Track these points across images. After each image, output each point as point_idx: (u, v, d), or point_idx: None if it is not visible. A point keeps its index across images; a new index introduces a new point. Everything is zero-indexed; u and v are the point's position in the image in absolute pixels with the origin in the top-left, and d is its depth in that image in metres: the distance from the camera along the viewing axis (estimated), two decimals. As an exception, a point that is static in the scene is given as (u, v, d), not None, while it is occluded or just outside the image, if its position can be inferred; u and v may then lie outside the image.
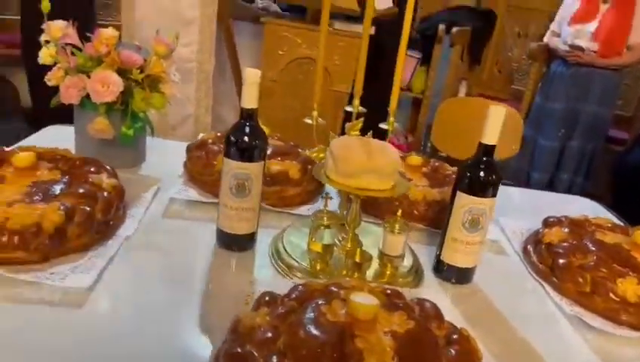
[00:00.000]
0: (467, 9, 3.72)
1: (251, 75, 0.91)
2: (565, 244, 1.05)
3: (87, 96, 1.16)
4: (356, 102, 1.05)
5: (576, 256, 1.02)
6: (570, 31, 2.86)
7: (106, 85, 1.14)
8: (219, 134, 1.36)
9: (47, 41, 1.21)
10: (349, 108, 1.09)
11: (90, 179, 1.01)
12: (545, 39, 3.13)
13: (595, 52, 2.78)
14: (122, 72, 1.19)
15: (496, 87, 3.77)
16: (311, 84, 2.41)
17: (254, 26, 2.71)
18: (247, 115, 0.94)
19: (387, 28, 2.32)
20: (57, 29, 1.18)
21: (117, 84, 1.15)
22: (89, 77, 1.16)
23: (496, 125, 0.91)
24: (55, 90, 1.20)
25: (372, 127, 1.07)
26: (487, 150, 0.93)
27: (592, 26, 2.79)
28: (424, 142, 3.62)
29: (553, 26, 3.07)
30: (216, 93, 2.44)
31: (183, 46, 2.30)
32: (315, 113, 1.06)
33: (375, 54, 2.31)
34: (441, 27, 3.42)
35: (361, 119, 1.06)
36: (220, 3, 2.22)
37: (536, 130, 3.06)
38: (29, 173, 1.01)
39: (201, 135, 1.37)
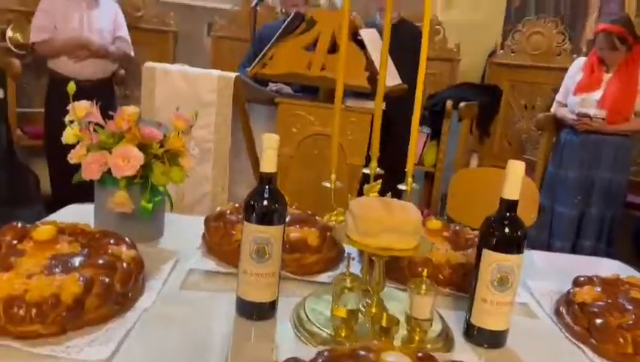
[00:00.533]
0: (472, 85, 3.84)
1: (270, 140, 0.93)
2: (600, 303, 1.00)
3: (108, 171, 1.19)
4: (373, 164, 1.06)
5: (614, 315, 0.97)
6: (577, 100, 2.92)
7: (127, 159, 1.17)
8: (237, 205, 1.36)
9: (72, 121, 1.25)
10: (366, 170, 1.10)
11: (110, 251, 1.00)
12: (552, 110, 3.19)
13: (602, 119, 2.82)
14: (143, 147, 1.22)
15: (508, 158, 3.70)
16: (325, 157, 2.47)
17: (268, 108, 2.80)
18: (267, 179, 0.95)
19: (396, 103, 2.38)
20: (82, 109, 1.23)
21: (137, 158, 1.17)
22: (110, 153, 1.19)
23: (517, 180, 0.91)
24: (76, 168, 1.23)
25: (385, 193, 1.07)
26: (510, 206, 0.92)
27: (597, 95, 2.85)
28: (440, 214, 3.60)
29: (559, 97, 3.14)
30: (232, 172, 2.48)
31: (200, 128, 2.38)
32: (333, 176, 1.06)
33: (385, 129, 2.36)
34: (449, 103, 3.51)
35: (379, 181, 1.06)
36: (235, 87, 2.32)
37: (552, 198, 3.03)
38: (49, 247, 1.00)
39: (218, 208, 1.38)
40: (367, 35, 2.28)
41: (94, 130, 1.20)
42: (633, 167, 3.09)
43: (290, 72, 2.23)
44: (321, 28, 2.27)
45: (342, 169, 2.41)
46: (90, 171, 1.18)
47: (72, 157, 1.23)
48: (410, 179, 1.09)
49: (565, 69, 3.33)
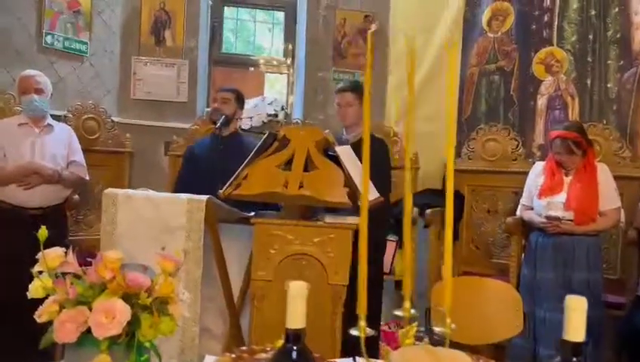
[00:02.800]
0: (435, 191, 3.89)
1: (296, 289, 0.80)
2: None
3: (87, 330, 1.00)
4: (407, 304, 0.94)
5: None
6: (542, 204, 2.97)
7: (111, 316, 0.99)
8: (233, 356, 1.19)
9: (41, 272, 1.08)
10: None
11: None
12: (517, 213, 3.23)
13: (571, 221, 2.86)
14: (127, 298, 1.05)
15: (478, 263, 3.77)
16: (306, 280, 2.31)
17: (239, 226, 2.67)
18: (294, 337, 0.81)
19: (373, 216, 2.32)
20: (55, 257, 1.06)
21: (123, 313, 1.00)
22: (90, 308, 1.01)
23: (580, 318, 0.81)
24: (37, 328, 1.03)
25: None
26: (574, 349, 0.81)
27: (561, 197, 2.92)
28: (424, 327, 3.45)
29: (523, 201, 3.20)
30: (202, 300, 2.28)
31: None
32: (362, 323, 0.93)
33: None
34: (415, 210, 3.51)
35: (415, 323, 0.94)
36: (207, 209, 2.20)
37: (531, 302, 2.97)
38: None
39: (213, 358, 1.19)
40: (342, 151, 2.26)
41: (71, 283, 1.03)
42: (604, 265, 3.11)
43: (266, 192, 2.14)
44: (295, 145, 2.24)
45: (324, 290, 2.27)
46: (64, 332, 0.99)
47: (41, 315, 1.04)
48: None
49: (523, 173, 3.43)
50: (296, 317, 0.80)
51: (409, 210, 1.00)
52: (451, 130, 1.14)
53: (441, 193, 3.92)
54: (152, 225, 2.25)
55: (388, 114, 4.27)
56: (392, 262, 3.66)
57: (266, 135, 2.30)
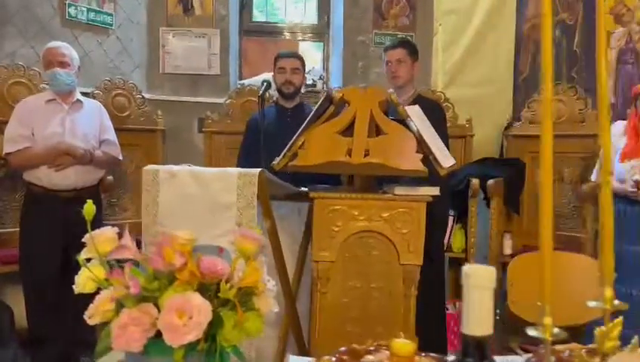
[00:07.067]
0: (493, 160, 3.57)
1: (479, 277, 0.53)
2: None
3: (156, 334, 0.75)
4: (608, 292, 0.66)
5: None
6: (626, 168, 2.64)
7: (187, 316, 0.74)
8: (333, 359, 0.93)
9: (88, 260, 0.83)
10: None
11: None
12: (593, 178, 2.91)
13: (661, 185, 2.53)
14: (202, 290, 0.80)
15: (541, 236, 3.45)
16: (373, 260, 2.06)
17: (287, 203, 2.43)
18: (476, 347, 0.54)
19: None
20: (107, 240, 0.81)
21: (203, 311, 0.74)
22: (157, 307, 0.76)
23: None
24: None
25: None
26: None
27: (647, 160, 2.59)
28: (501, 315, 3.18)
29: (599, 166, 2.86)
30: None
31: (219, 236, 1.96)
32: (548, 319, 0.65)
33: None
34: (475, 181, 3.20)
35: (619, 319, 0.67)
36: (259, 184, 1.93)
37: (616, 279, 2.66)
38: None
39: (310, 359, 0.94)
40: (412, 111, 1.97)
41: (131, 274, 0.77)
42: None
43: (328, 161, 1.87)
44: (357, 108, 1.95)
45: (395, 271, 2.00)
46: (128, 338, 0.74)
47: (92, 316, 0.79)
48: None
49: (591, 136, 3.10)
50: (479, 318, 0.53)
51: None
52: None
53: (499, 162, 3.60)
54: (198, 204, 2.00)
55: (434, 79, 3.94)
56: (449, 238, 3.37)
57: (322, 97, 2.02)
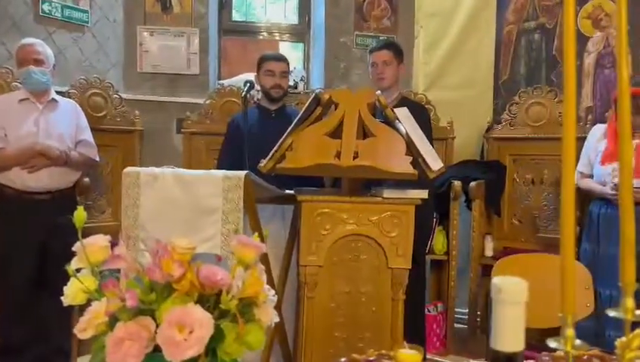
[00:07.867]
0: (474, 162, 3.59)
1: (516, 292, 0.50)
2: None
3: (154, 349, 0.71)
4: (629, 302, 0.64)
5: None
6: (607, 170, 2.67)
7: (187, 329, 0.69)
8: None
9: (78, 270, 0.78)
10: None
11: None
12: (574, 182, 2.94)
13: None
14: (202, 302, 0.75)
15: (521, 238, 3.49)
16: (362, 264, 2.03)
17: (271, 207, 2.39)
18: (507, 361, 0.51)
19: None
20: (99, 249, 0.76)
21: (204, 324, 0.70)
22: (154, 320, 0.71)
23: None
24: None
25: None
26: None
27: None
28: (483, 317, 3.18)
29: (580, 168, 2.90)
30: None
31: (204, 241, 1.91)
32: (570, 332, 0.63)
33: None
34: (457, 183, 3.21)
35: (638, 331, 0.65)
36: (245, 187, 1.89)
37: (594, 281, 2.69)
38: None
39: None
40: (401, 114, 1.95)
41: (127, 286, 0.73)
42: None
43: (317, 164, 1.84)
44: (345, 109, 1.92)
45: (383, 275, 1.98)
46: (123, 355, 0.69)
47: (84, 330, 0.74)
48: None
49: (571, 139, 3.13)
50: (510, 334, 0.50)
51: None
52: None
53: (480, 164, 3.62)
54: (182, 207, 1.94)
55: (415, 81, 3.94)
56: (430, 240, 3.37)
57: (310, 99, 1.98)
